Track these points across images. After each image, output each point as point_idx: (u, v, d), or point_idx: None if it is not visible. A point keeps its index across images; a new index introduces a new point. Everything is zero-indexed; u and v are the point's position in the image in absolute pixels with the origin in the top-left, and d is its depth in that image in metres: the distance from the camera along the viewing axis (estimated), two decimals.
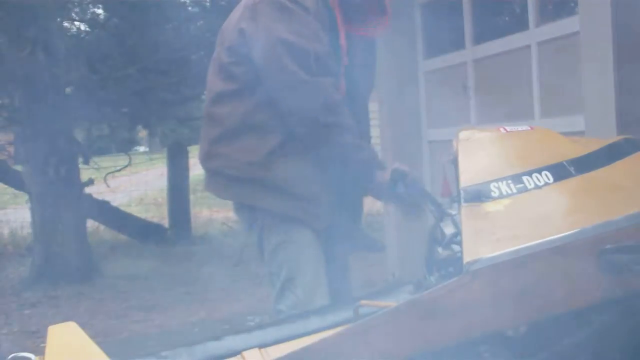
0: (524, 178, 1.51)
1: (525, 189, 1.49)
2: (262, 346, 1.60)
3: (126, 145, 9.33)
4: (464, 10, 4.00)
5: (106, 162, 7.16)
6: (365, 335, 1.42)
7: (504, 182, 1.50)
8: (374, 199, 2.14)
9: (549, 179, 1.50)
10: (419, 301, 1.41)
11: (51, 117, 5.27)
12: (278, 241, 1.98)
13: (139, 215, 7.72)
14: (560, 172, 1.52)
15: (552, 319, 1.43)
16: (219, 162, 2.01)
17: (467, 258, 1.39)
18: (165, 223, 7.43)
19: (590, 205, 1.48)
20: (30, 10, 4.84)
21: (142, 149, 18.98)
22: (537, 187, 1.49)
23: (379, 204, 2.36)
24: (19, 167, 6.35)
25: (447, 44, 4.28)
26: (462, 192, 1.50)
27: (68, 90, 5.90)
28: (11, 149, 6.80)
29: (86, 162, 6.25)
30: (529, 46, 3.44)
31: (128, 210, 7.79)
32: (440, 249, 1.71)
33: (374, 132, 2.82)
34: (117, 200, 8.28)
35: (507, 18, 4.36)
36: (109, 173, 6.79)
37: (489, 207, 1.47)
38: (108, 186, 6.81)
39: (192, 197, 7.83)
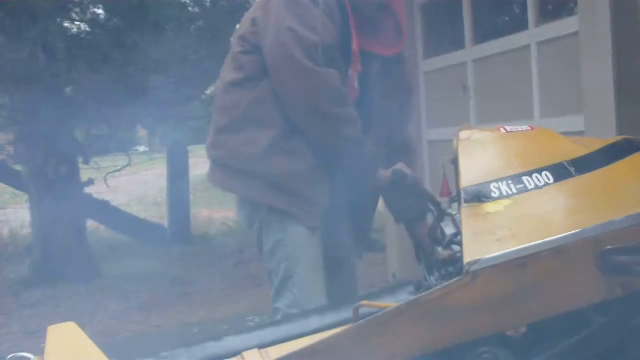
0: (524, 178, 1.50)
1: (526, 190, 1.49)
2: (261, 347, 1.60)
3: (126, 145, 9.33)
4: (463, 10, 4.00)
5: (106, 162, 7.16)
6: (365, 336, 1.41)
7: (504, 183, 1.50)
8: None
9: (549, 180, 1.50)
10: (420, 302, 1.41)
11: (51, 117, 5.27)
12: (276, 239, 1.98)
13: (138, 215, 7.72)
14: (560, 172, 1.52)
15: (552, 319, 1.43)
16: (223, 152, 2.02)
17: (467, 258, 1.39)
18: (165, 223, 7.43)
19: (590, 206, 1.47)
20: (31, 11, 4.84)
21: (142, 149, 18.98)
22: (537, 187, 1.49)
23: (380, 204, 2.36)
24: (19, 167, 6.35)
25: (447, 44, 4.28)
26: (462, 192, 1.50)
27: (68, 90, 5.90)
28: (11, 149, 6.79)
29: (86, 162, 6.25)
30: (528, 46, 3.44)
31: (128, 210, 7.79)
32: (440, 250, 1.72)
33: None
34: (117, 200, 8.28)
35: (506, 18, 4.36)
36: (109, 173, 6.78)
37: (489, 207, 1.47)
38: (108, 186, 6.81)
39: (191, 197, 7.84)
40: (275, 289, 2.00)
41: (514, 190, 1.49)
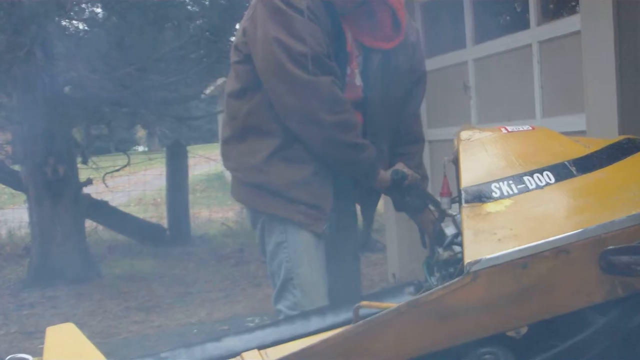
0: (525, 178, 1.50)
1: (527, 189, 1.48)
2: (261, 347, 1.60)
3: (125, 145, 9.32)
4: (464, 9, 3.99)
5: (105, 161, 7.14)
6: (365, 336, 1.41)
7: (505, 183, 1.50)
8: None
9: (550, 179, 1.50)
10: (420, 302, 1.40)
11: (49, 116, 5.26)
12: (278, 241, 1.98)
13: (137, 215, 7.70)
14: (561, 172, 1.51)
15: (553, 319, 1.42)
16: (230, 163, 2.06)
17: (468, 258, 1.38)
18: (164, 223, 7.42)
19: (591, 206, 1.47)
20: (29, 10, 4.82)
21: (140, 148, 18.98)
22: (538, 187, 1.49)
23: (379, 204, 2.36)
24: (17, 167, 6.34)
25: (448, 43, 4.27)
26: (463, 192, 1.49)
27: (66, 89, 5.89)
28: (9, 149, 6.79)
29: (85, 161, 6.24)
30: (530, 45, 3.43)
31: (127, 210, 7.78)
32: (441, 250, 1.71)
33: None
34: (116, 200, 8.27)
35: (508, 17, 4.36)
36: (108, 173, 6.77)
37: (490, 207, 1.46)
38: (107, 186, 6.80)
39: (191, 197, 7.82)
40: (277, 290, 2.00)
41: (515, 190, 1.48)
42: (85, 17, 5.88)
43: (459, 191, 1.51)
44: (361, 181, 2.03)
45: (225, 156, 2.07)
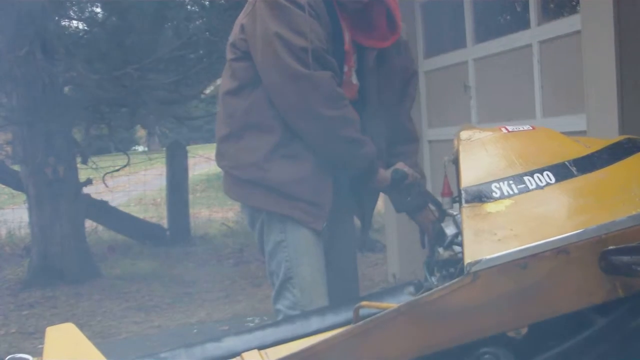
0: (526, 178, 1.50)
1: (527, 189, 1.48)
2: (261, 347, 1.59)
3: (125, 145, 9.32)
4: (464, 9, 3.99)
5: (104, 161, 7.14)
6: (365, 336, 1.40)
7: (505, 183, 1.50)
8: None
9: (550, 179, 1.50)
10: (420, 302, 1.40)
11: (49, 116, 5.25)
12: (277, 240, 1.98)
13: (137, 215, 7.70)
14: (562, 172, 1.51)
15: (553, 320, 1.42)
16: (226, 161, 2.04)
17: (468, 259, 1.38)
18: (164, 223, 7.41)
19: (592, 206, 1.47)
20: (28, 9, 4.82)
21: (140, 148, 18.97)
22: (538, 187, 1.49)
23: (379, 204, 2.36)
24: (16, 167, 6.34)
25: (448, 43, 4.26)
26: (463, 192, 1.49)
27: (66, 89, 5.89)
28: (9, 149, 6.79)
29: (84, 161, 6.24)
30: (530, 45, 3.43)
31: (127, 210, 7.77)
32: (441, 250, 1.71)
33: None
34: (116, 200, 8.27)
35: (508, 16, 4.35)
36: (108, 173, 6.77)
37: (490, 207, 1.46)
38: (106, 186, 6.79)
39: (191, 197, 7.82)
40: (276, 290, 2.00)
41: (515, 190, 1.48)
42: (85, 17, 5.87)
43: (459, 191, 1.51)
44: (360, 180, 2.02)
45: (222, 155, 2.04)
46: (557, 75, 3.29)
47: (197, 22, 6.01)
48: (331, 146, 1.93)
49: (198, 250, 6.57)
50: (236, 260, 5.95)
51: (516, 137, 1.61)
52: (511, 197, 1.47)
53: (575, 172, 1.51)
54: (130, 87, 5.46)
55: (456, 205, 1.70)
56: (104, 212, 6.80)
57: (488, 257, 1.37)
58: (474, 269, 1.36)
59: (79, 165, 6.00)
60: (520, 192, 1.48)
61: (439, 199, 1.85)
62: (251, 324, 3.81)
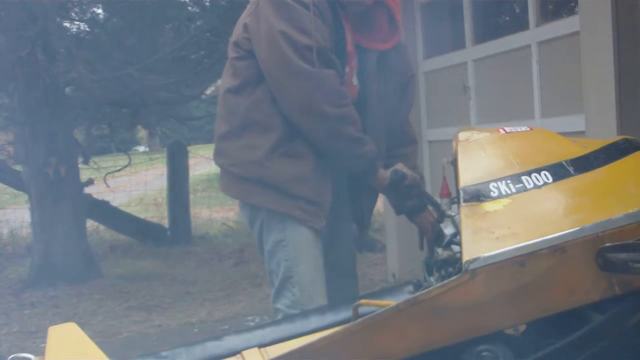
0: (523, 178, 1.51)
1: (525, 189, 1.49)
2: (261, 346, 1.60)
3: (126, 145, 9.32)
4: (464, 10, 4.00)
5: (106, 162, 7.15)
6: (364, 334, 1.41)
7: (503, 182, 1.51)
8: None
9: (548, 179, 1.51)
10: (418, 300, 1.41)
11: (51, 117, 5.26)
12: (277, 239, 1.98)
13: (138, 215, 7.70)
14: (559, 172, 1.52)
15: (551, 317, 1.43)
16: (225, 159, 2.03)
17: (466, 257, 1.39)
18: (165, 223, 7.42)
19: (589, 205, 1.48)
20: (30, 10, 4.83)
21: (141, 148, 18.97)
22: (536, 186, 1.50)
23: (379, 204, 2.37)
24: (18, 167, 6.35)
25: (447, 44, 4.27)
26: (461, 192, 1.50)
27: (68, 90, 5.90)
28: (11, 149, 6.80)
29: (86, 162, 6.25)
30: (529, 46, 3.44)
31: (128, 210, 7.78)
32: (440, 250, 1.72)
33: None
34: (117, 200, 8.27)
35: (507, 18, 4.36)
36: (109, 173, 6.78)
37: (488, 206, 1.47)
38: (108, 186, 6.80)
39: (191, 197, 7.82)
40: (276, 289, 2.00)
41: (513, 190, 1.49)
42: (86, 17, 5.88)
43: (458, 191, 1.52)
44: (360, 179, 2.03)
45: (221, 153, 2.04)
46: (555, 76, 3.30)
47: (198, 23, 6.02)
48: (333, 144, 1.94)
49: (199, 250, 6.57)
50: (236, 260, 5.95)
51: (514, 138, 1.63)
52: (509, 196, 1.49)
53: (572, 172, 1.52)
54: (132, 87, 5.47)
55: (454, 206, 1.71)
56: (105, 212, 6.81)
57: (486, 255, 1.38)
58: (472, 266, 1.38)
59: (80, 166, 6.01)
60: (518, 191, 1.49)
61: (438, 200, 1.86)
62: (251, 323, 3.82)
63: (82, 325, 1.67)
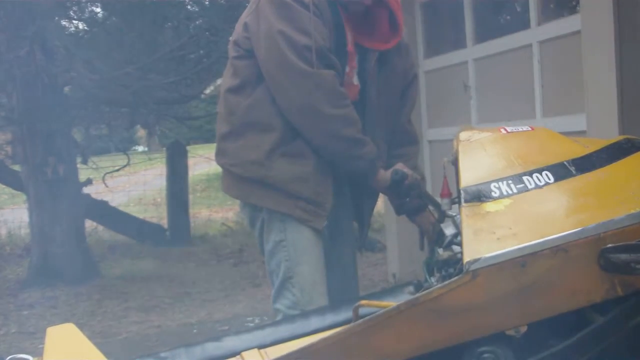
0: (525, 178, 1.50)
1: (526, 189, 1.49)
2: (261, 347, 1.60)
3: (125, 145, 9.32)
4: (464, 9, 3.99)
5: (105, 161, 7.15)
6: (364, 335, 1.41)
7: (505, 182, 1.50)
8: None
9: (549, 179, 1.50)
10: (419, 301, 1.40)
11: (49, 116, 5.26)
12: (277, 239, 1.98)
13: (137, 215, 7.70)
14: (560, 172, 1.52)
15: (553, 318, 1.42)
16: (226, 159, 2.03)
17: (467, 257, 1.39)
18: (164, 223, 7.42)
19: (590, 205, 1.47)
20: (29, 9, 4.82)
21: (140, 148, 18.96)
22: (537, 186, 1.49)
23: (379, 204, 2.36)
24: (17, 167, 6.34)
25: (448, 43, 4.27)
26: (462, 192, 1.49)
27: (66, 89, 5.89)
28: (9, 149, 6.79)
29: (84, 161, 6.24)
30: (530, 45, 3.43)
31: (127, 210, 7.78)
32: (440, 250, 1.71)
33: None
34: (116, 200, 8.27)
35: (508, 17, 4.35)
36: (108, 173, 6.77)
37: (490, 206, 1.47)
38: (106, 186, 6.80)
39: (191, 197, 7.82)
40: (276, 289, 2.00)
41: (514, 190, 1.49)
42: (85, 17, 5.87)
43: (459, 191, 1.52)
44: (360, 180, 2.03)
45: (222, 152, 2.04)
46: (557, 75, 3.30)
47: (197, 22, 6.01)
48: (332, 145, 1.93)
49: (198, 250, 6.57)
50: (236, 260, 5.95)
51: (515, 138, 1.62)
52: (510, 197, 1.48)
53: (574, 172, 1.52)
54: (131, 87, 5.46)
55: (455, 206, 1.70)
56: (104, 212, 6.81)
57: (487, 255, 1.38)
58: (473, 267, 1.37)
59: (79, 165, 6.00)
60: (520, 191, 1.49)
61: (438, 200, 1.85)
62: (251, 324, 3.82)
63: (81, 326, 1.66)
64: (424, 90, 4.42)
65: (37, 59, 4.97)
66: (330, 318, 1.65)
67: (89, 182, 6.00)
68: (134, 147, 17.43)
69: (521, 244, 1.39)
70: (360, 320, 1.43)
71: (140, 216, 7.76)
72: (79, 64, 5.13)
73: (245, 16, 2.01)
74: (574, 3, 3.39)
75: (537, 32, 3.39)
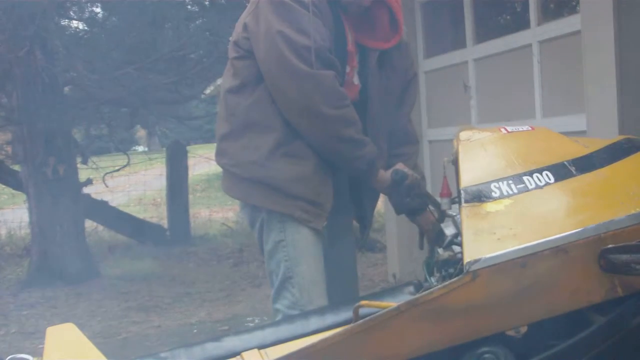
0: (525, 178, 1.50)
1: (526, 189, 1.49)
2: (261, 347, 1.60)
3: (125, 145, 9.32)
4: (464, 9, 3.99)
5: (105, 161, 7.14)
6: (365, 335, 1.41)
7: (505, 182, 1.50)
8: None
9: (549, 179, 1.50)
10: (420, 301, 1.40)
11: (49, 116, 5.25)
12: (277, 240, 1.98)
13: (137, 215, 7.70)
14: (561, 172, 1.52)
15: (553, 319, 1.42)
16: (226, 160, 2.03)
17: (467, 258, 1.39)
18: (164, 223, 7.42)
19: (591, 205, 1.47)
20: (28, 9, 4.82)
21: (140, 148, 18.97)
22: (538, 187, 1.49)
23: (379, 204, 2.36)
24: (17, 167, 6.34)
25: (448, 43, 4.27)
26: (462, 192, 1.49)
27: (66, 89, 5.89)
28: (9, 149, 6.78)
29: (84, 161, 6.24)
30: (530, 45, 3.43)
31: (127, 210, 7.77)
32: (440, 250, 1.71)
33: None
34: (116, 200, 8.26)
35: (508, 17, 4.35)
36: (108, 173, 6.77)
37: (490, 207, 1.47)
38: (106, 186, 6.79)
39: (191, 197, 7.82)
40: (275, 289, 2.00)
41: (515, 190, 1.49)
42: (85, 17, 5.87)
43: (459, 191, 1.51)
44: (360, 180, 2.03)
45: (222, 153, 2.04)
46: (557, 75, 3.30)
47: (197, 22, 6.00)
48: (332, 145, 1.93)
49: (198, 250, 6.57)
50: (236, 260, 5.95)
51: (515, 138, 1.62)
52: (510, 197, 1.48)
53: (574, 172, 1.52)
54: (131, 87, 5.46)
55: (455, 206, 1.70)
56: (104, 212, 6.80)
57: (487, 256, 1.38)
58: (473, 267, 1.37)
59: (79, 165, 6.00)
60: (520, 191, 1.49)
61: (438, 199, 1.85)
62: (251, 324, 3.81)
63: (81, 326, 1.66)
64: (424, 90, 4.42)
65: (37, 59, 4.97)
66: (330, 318, 1.65)
67: (89, 182, 5.99)
68: (134, 147, 17.44)
69: (521, 245, 1.39)
70: (361, 321, 1.43)
71: (140, 216, 7.76)
72: (79, 64, 5.13)
73: (244, 16, 2.01)
74: (574, 3, 3.39)
75: (537, 32, 3.38)
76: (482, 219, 1.45)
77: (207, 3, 6.01)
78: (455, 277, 1.42)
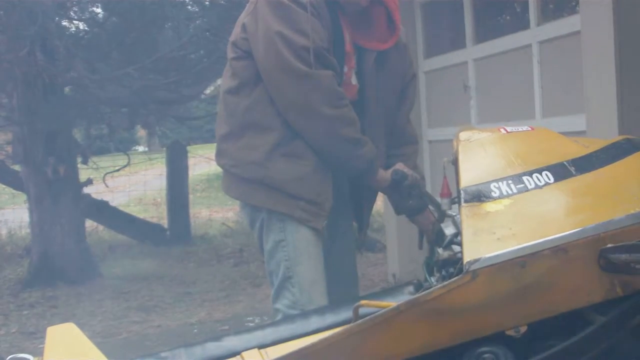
0: (525, 178, 1.51)
1: (526, 189, 1.49)
2: (261, 347, 1.60)
3: (125, 145, 9.32)
4: (464, 9, 4.00)
5: (105, 161, 7.15)
6: (364, 335, 1.41)
7: (505, 182, 1.50)
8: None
9: (549, 179, 1.50)
10: (419, 301, 1.40)
11: (50, 116, 5.26)
12: (277, 240, 1.98)
13: (138, 215, 7.70)
14: (560, 172, 1.52)
15: (553, 318, 1.42)
16: (226, 160, 2.04)
17: (467, 257, 1.39)
18: (165, 223, 7.42)
19: (590, 205, 1.47)
20: (29, 9, 4.82)
21: (141, 148, 18.97)
22: (537, 187, 1.49)
23: (379, 204, 2.36)
24: (17, 167, 6.34)
25: (448, 43, 4.27)
26: (462, 192, 1.50)
27: (67, 89, 5.89)
28: (9, 149, 6.79)
29: (85, 161, 6.24)
30: (530, 45, 3.43)
31: (127, 210, 7.77)
32: (440, 250, 1.71)
33: None
34: (116, 200, 8.26)
35: (508, 17, 4.35)
36: (108, 173, 6.77)
37: (490, 206, 1.47)
38: (107, 186, 6.79)
39: (191, 197, 7.82)
40: (275, 289, 2.00)
41: (514, 190, 1.49)
42: (85, 17, 5.87)
43: (459, 191, 1.52)
44: (359, 180, 2.03)
45: (222, 153, 2.05)
46: (556, 75, 3.30)
47: (198, 22, 6.00)
48: (331, 145, 1.93)
49: (198, 250, 6.57)
50: (236, 260, 5.95)
51: (515, 138, 1.62)
52: (510, 197, 1.48)
53: (573, 172, 1.52)
54: (131, 87, 5.46)
55: (455, 206, 1.71)
56: (104, 212, 6.80)
57: (487, 255, 1.38)
58: (473, 267, 1.37)
59: (79, 166, 6.00)
60: (519, 191, 1.49)
61: (438, 199, 1.86)
62: (251, 324, 3.82)
63: (81, 326, 1.66)
64: (423, 91, 4.42)
65: (37, 59, 4.97)
66: (330, 318, 1.65)
67: (89, 182, 5.99)
68: (134, 147, 17.44)
69: (521, 244, 1.39)
70: (360, 320, 1.43)
71: (140, 216, 7.76)
72: (79, 64, 5.13)
73: (243, 17, 2.01)
74: (573, 3, 3.39)
75: (537, 32, 3.39)
76: (481, 219, 1.45)
77: (207, 3, 6.01)
78: (455, 276, 1.42)
